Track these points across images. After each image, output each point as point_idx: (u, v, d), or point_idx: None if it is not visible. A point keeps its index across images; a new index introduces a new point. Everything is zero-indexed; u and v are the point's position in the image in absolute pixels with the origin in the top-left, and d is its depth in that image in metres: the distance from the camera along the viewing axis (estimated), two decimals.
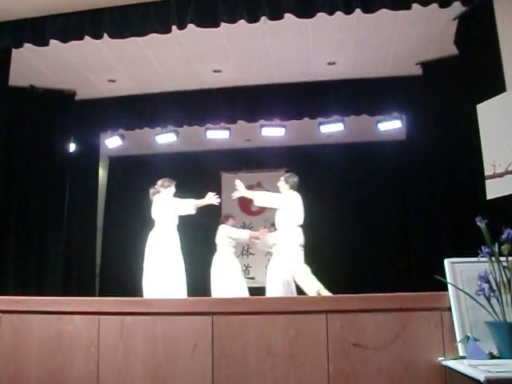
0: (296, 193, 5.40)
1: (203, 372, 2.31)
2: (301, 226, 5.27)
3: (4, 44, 5.20)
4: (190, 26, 4.84)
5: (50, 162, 6.78)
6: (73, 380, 2.41)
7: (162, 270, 5.17)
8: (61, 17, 5.08)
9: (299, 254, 5.17)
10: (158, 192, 5.55)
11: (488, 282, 2.06)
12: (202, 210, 5.57)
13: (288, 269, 5.29)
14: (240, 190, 5.42)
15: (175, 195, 5.58)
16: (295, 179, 5.47)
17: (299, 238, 5.21)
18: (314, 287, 5.01)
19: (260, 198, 5.42)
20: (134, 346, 2.40)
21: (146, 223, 8.97)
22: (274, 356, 2.29)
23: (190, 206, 5.38)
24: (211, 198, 5.45)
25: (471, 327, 2.13)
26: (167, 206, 5.39)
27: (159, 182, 5.60)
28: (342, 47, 6.10)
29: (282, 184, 5.48)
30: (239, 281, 6.56)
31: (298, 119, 7.16)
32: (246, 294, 6.45)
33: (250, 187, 9.36)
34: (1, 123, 5.52)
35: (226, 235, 6.65)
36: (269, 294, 5.69)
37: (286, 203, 5.28)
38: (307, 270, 5.13)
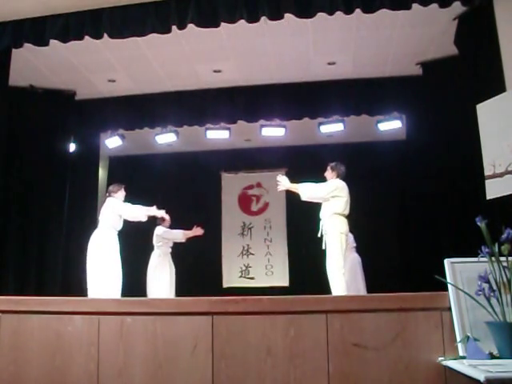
0: (342, 181, 5.34)
1: (203, 372, 2.31)
2: (346, 217, 5.19)
3: (4, 44, 5.19)
4: (190, 25, 4.84)
5: (50, 162, 6.78)
6: (73, 380, 2.41)
7: (99, 271, 5.34)
8: (61, 17, 5.07)
9: (340, 244, 5.05)
10: (110, 196, 5.76)
11: (488, 282, 2.06)
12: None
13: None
14: (283, 183, 5.35)
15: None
16: (342, 168, 5.42)
17: (342, 226, 5.11)
18: (339, 291, 4.93)
19: (305, 192, 5.27)
20: (133, 346, 2.40)
21: (146, 223, 8.98)
22: (274, 356, 2.29)
23: (139, 212, 5.60)
24: (160, 212, 5.80)
25: (471, 327, 2.13)
26: (116, 210, 5.57)
27: (110, 188, 5.86)
28: (342, 47, 6.09)
29: (328, 173, 5.43)
30: (168, 279, 6.86)
31: (298, 119, 7.15)
32: (172, 293, 6.76)
33: (249, 187, 9.40)
34: (1, 123, 5.52)
35: (161, 236, 6.95)
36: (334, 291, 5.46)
37: (333, 192, 5.20)
38: (341, 268, 5.03)
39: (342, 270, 5.04)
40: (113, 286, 5.33)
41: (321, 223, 5.33)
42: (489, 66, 4.68)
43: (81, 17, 5.04)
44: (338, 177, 5.38)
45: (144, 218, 5.65)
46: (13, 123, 6.11)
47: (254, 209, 9.29)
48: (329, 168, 5.46)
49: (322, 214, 5.31)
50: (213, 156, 8.90)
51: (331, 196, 5.21)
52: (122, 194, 5.76)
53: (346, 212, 5.24)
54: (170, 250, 7.04)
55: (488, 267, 2.08)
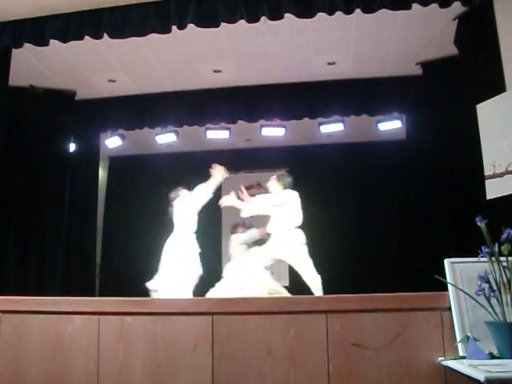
0: (292, 191, 5.27)
1: (203, 372, 2.31)
2: (299, 227, 5.14)
3: (4, 44, 5.19)
4: (190, 25, 4.84)
5: (50, 162, 6.78)
6: (73, 380, 2.41)
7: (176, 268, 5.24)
8: (61, 17, 5.07)
9: (302, 252, 5.07)
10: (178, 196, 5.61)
11: (488, 282, 2.06)
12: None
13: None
14: (230, 199, 5.38)
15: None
16: (289, 179, 5.36)
17: (298, 237, 5.09)
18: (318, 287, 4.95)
19: (247, 210, 5.30)
20: (133, 346, 2.40)
21: (146, 223, 8.97)
22: (274, 356, 2.29)
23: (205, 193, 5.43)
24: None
25: (471, 327, 2.13)
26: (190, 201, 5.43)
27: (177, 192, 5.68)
28: (342, 47, 6.10)
29: (272, 183, 5.37)
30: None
31: (298, 119, 7.15)
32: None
33: (249, 187, 9.38)
34: (1, 123, 5.52)
35: (238, 243, 6.71)
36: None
37: (278, 203, 5.16)
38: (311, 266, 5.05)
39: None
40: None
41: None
42: (489, 66, 4.67)
43: (81, 17, 5.04)
44: (284, 188, 5.31)
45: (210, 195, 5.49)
46: (13, 123, 6.11)
47: None
48: (273, 178, 5.40)
49: (273, 228, 5.26)
50: (213, 156, 8.89)
51: (278, 207, 5.17)
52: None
53: (300, 223, 5.20)
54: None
55: (488, 267, 2.08)
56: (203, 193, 5.46)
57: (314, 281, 5.04)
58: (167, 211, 5.84)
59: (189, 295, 5.18)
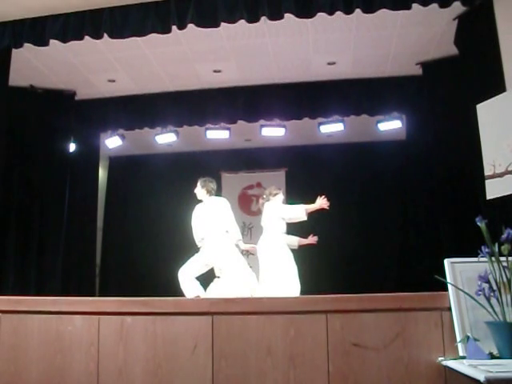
0: (220, 198, 5.37)
1: (203, 372, 2.31)
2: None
3: (4, 44, 5.19)
4: (190, 25, 4.84)
5: (50, 162, 6.78)
6: (73, 380, 2.41)
7: (277, 274, 5.22)
8: (61, 17, 5.06)
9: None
10: (267, 201, 5.58)
11: (488, 281, 2.06)
12: None
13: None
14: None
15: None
16: (212, 184, 5.37)
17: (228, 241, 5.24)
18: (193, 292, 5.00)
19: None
20: (133, 346, 2.40)
21: (146, 223, 8.97)
22: (274, 356, 2.29)
23: (300, 212, 5.34)
24: (321, 202, 5.34)
25: (471, 327, 2.13)
26: (277, 214, 5.40)
27: (266, 191, 5.64)
28: (342, 47, 6.09)
29: (197, 189, 5.37)
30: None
31: (298, 119, 7.15)
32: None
33: (249, 187, 9.40)
34: (1, 123, 5.52)
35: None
36: None
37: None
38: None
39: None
40: (293, 287, 5.18)
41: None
42: (489, 66, 4.67)
43: (81, 17, 5.03)
44: (207, 193, 5.33)
45: (305, 217, 5.38)
46: (13, 123, 6.10)
47: (253, 209, 9.28)
48: (198, 184, 5.40)
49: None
50: (213, 156, 8.90)
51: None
52: (280, 196, 5.60)
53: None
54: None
55: (488, 267, 2.08)
56: (293, 212, 5.40)
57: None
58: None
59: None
